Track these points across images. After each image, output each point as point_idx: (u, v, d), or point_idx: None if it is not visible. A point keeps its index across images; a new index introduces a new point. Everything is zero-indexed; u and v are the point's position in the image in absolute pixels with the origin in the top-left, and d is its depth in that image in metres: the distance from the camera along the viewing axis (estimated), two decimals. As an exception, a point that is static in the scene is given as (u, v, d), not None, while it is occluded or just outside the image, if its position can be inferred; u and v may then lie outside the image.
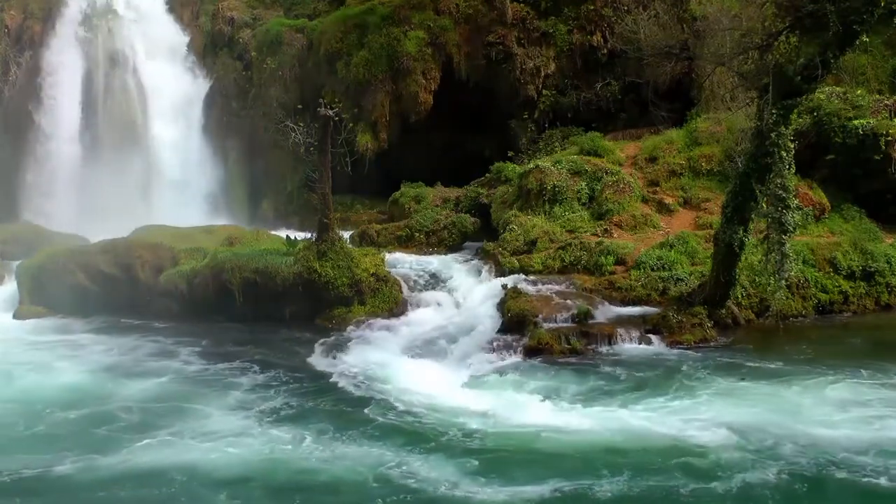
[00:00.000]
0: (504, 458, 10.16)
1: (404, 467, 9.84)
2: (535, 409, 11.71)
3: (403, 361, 14.13)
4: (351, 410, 11.93)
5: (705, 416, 11.31)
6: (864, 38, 13.54)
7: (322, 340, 15.40)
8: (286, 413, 11.89)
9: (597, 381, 12.96)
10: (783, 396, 12.07)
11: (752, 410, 11.49)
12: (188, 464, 10.04)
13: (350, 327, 16.28)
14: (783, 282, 14.62)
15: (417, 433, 10.92)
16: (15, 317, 18.11)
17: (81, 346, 15.75)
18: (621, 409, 11.64)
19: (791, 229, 13.97)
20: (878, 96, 21.12)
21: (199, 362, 14.55)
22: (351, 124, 23.49)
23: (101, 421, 11.64)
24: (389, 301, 17.11)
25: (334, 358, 14.55)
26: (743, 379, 12.83)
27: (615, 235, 18.77)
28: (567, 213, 19.79)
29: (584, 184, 20.36)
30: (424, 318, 16.56)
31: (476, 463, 9.97)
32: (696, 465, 9.81)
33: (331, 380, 13.44)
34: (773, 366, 13.44)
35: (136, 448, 10.59)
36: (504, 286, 16.55)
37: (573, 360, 13.98)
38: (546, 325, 14.98)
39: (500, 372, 13.52)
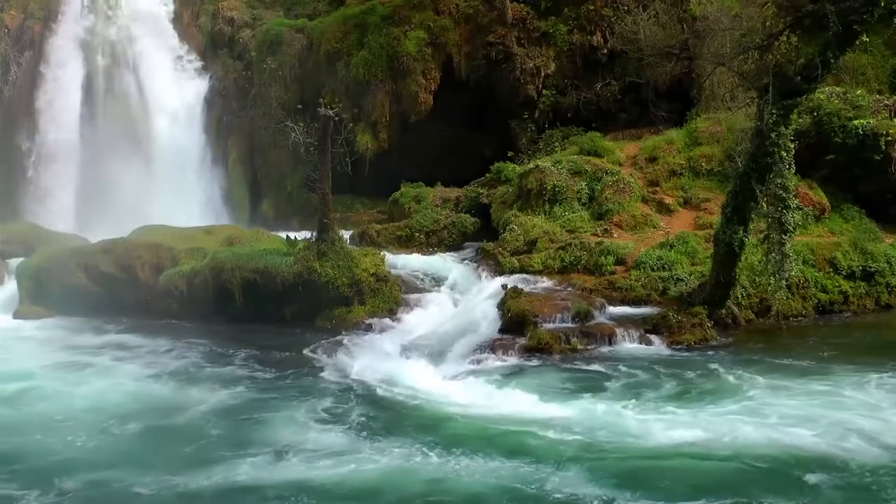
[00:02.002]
0: (506, 457, 10.07)
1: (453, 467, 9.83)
2: (534, 408, 11.66)
3: (404, 362, 14.10)
4: (372, 414, 11.70)
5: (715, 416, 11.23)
6: (864, 38, 13.56)
7: (322, 341, 15.39)
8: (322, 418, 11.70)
9: (597, 380, 12.91)
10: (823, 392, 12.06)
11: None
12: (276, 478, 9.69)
13: (350, 327, 16.30)
14: (783, 282, 14.63)
15: (447, 433, 10.83)
16: (15, 317, 18.12)
17: (111, 350, 15.49)
18: (621, 409, 11.56)
19: (791, 229, 13.98)
20: (878, 96, 21.12)
21: (209, 363, 14.49)
22: (351, 124, 23.49)
23: (170, 433, 11.15)
24: (389, 301, 17.11)
25: (335, 358, 14.54)
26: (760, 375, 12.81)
27: (615, 235, 18.78)
28: (567, 213, 19.80)
29: (584, 184, 20.36)
30: (425, 318, 16.56)
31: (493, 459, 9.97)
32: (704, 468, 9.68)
33: (333, 381, 13.38)
34: (799, 363, 13.42)
35: (220, 462, 10.01)
36: (504, 286, 16.55)
37: (573, 360, 13.95)
38: (546, 325, 14.98)
39: (501, 372, 13.49)
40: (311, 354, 14.85)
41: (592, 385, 12.69)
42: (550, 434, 10.65)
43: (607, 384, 12.73)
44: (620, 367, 13.47)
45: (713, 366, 13.37)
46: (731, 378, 12.74)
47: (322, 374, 13.72)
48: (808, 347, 14.29)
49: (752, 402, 11.64)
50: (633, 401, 11.84)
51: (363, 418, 11.51)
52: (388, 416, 11.60)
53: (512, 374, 13.35)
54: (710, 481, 9.25)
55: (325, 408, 12.03)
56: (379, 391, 12.71)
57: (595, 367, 13.62)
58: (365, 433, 10.92)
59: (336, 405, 12.13)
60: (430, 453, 10.16)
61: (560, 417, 11.23)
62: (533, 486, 9.21)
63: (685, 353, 14.24)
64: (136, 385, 13.26)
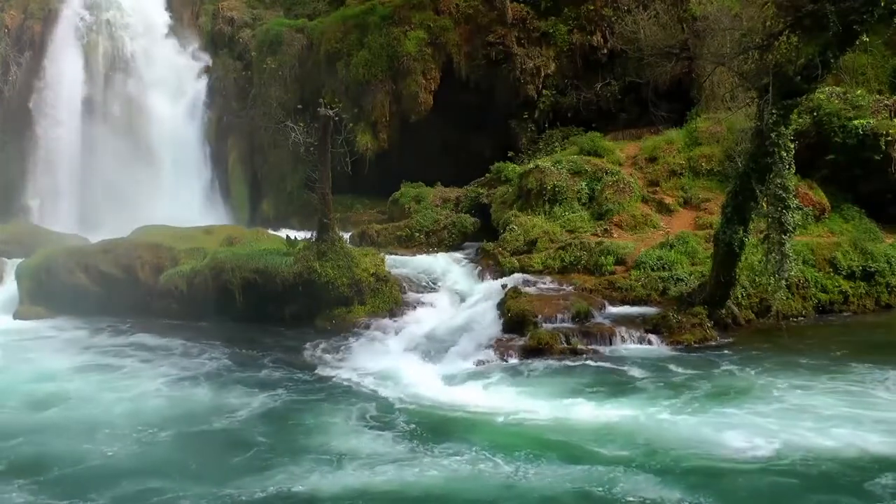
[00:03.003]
0: (506, 454, 10.07)
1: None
2: (534, 407, 11.67)
3: (404, 362, 14.11)
4: (407, 419, 11.55)
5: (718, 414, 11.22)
6: (864, 38, 13.53)
7: (325, 341, 15.40)
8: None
9: (597, 380, 12.91)
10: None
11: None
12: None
13: (350, 328, 16.30)
14: (783, 282, 14.61)
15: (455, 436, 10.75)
16: (15, 317, 18.09)
17: (131, 351, 15.37)
18: (661, 412, 11.52)
19: (791, 229, 13.97)
20: (878, 96, 21.12)
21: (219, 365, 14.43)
22: (351, 124, 23.50)
23: (210, 439, 10.89)
24: (389, 301, 17.10)
25: (334, 359, 14.55)
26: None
27: (615, 235, 18.78)
28: (567, 213, 19.79)
29: (584, 184, 20.36)
30: (425, 318, 16.54)
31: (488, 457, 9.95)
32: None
33: (335, 381, 13.35)
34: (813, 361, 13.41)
35: (270, 470, 9.71)
36: (504, 286, 16.55)
37: (573, 359, 13.94)
38: (546, 325, 14.98)
39: (501, 372, 13.50)
40: (322, 355, 14.80)
41: (618, 387, 12.60)
42: (602, 439, 10.45)
43: (632, 386, 12.61)
44: (633, 367, 13.43)
45: (726, 366, 13.32)
46: (749, 378, 12.71)
47: (325, 377, 13.65)
48: (815, 346, 14.26)
49: (782, 403, 11.52)
50: (669, 403, 11.66)
51: (401, 424, 11.24)
52: (424, 421, 11.30)
53: (512, 374, 13.33)
54: (783, 486, 9.04)
55: (358, 412, 11.80)
56: (401, 395, 12.55)
57: (594, 366, 13.60)
58: (409, 439, 10.64)
59: (366, 409, 11.91)
60: (490, 459, 9.88)
61: (603, 422, 11.05)
62: (603, 489, 9.06)
63: (689, 354, 14.17)
64: (168, 388, 13.04)
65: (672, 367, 13.39)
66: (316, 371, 13.94)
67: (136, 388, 13.09)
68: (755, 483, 9.19)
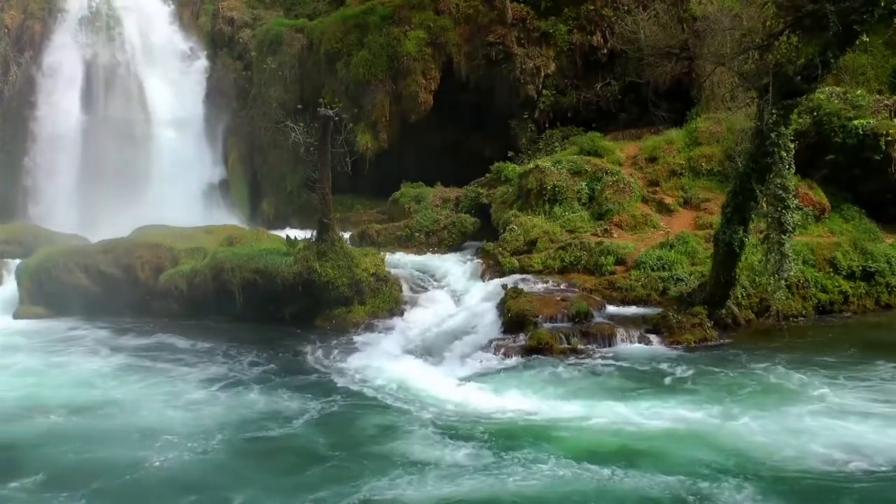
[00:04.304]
0: (507, 453, 10.06)
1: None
2: (533, 406, 11.66)
3: (404, 362, 14.11)
4: (389, 417, 11.51)
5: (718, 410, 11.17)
6: (864, 38, 13.52)
7: (322, 341, 15.40)
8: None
9: (596, 379, 12.90)
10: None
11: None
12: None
13: (350, 328, 16.31)
14: (783, 282, 14.61)
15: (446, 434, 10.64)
16: (15, 317, 18.11)
17: (154, 352, 15.11)
18: (622, 407, 11.52)
19: (791, 229, 13.96)
20: (878, 96, 21.11)
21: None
22: (351, 124, 23.53)
23: (272, 447, 10.50)
24: (389, 301, 17.11)
25: (335, 359, 14.56)
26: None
27: (615, 235, 18.78)
28: (567, 213, 19.80)
29: (584, 184, 20.36)
30: (424, 318, 16.56)
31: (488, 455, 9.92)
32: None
33: (335, 382, 13.33)
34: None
35: (342, 483, 9.33)
36: (504, 286, 16.55)
37: (573, 359, 13.89)
38: (546, 325, 14.97)
39: (501, 371, 13.50)
40: (311, 355, 14.78)
41: (592, 384, 12.58)
42: (676, 444, 10.19)
43: (658, 386, 12.46)
44: (619, 366, 13.40)
45: (748, 365, 13.20)
46: (770, 377, 12.58)
47: (325, 377, 13.62)
48: (821, 345, 14.24)
49: (821, 403, 11.34)
50: (717, 404, 11.44)
51: (459, 432, 10.91)
52: (475, 427, 10.99)
53: (512, 374, 13.31)
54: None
55: (384, 419, 11.58)
56: (386, 392, 12.56)
57: (594, 366, 13.55)
58: (475, 445, 10.35)
59: (391, 418, 11.66)
60: (572, 466, 9.54)
61: (661, 426, 10.83)
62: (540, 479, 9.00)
63: (693, 353, 14.11)
64: (208, 393, 12.70)
65: (686, 367, 13.22)
66: (316, 373, 13.92)
67: (185, 393, 12.70)
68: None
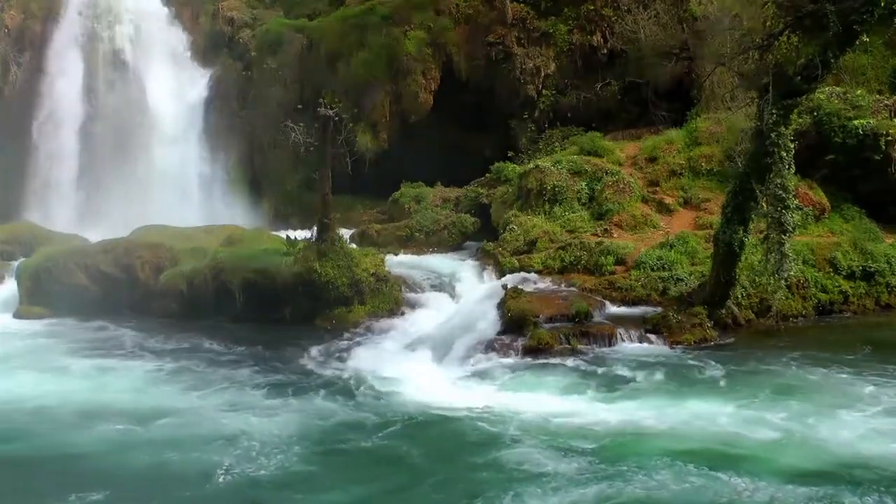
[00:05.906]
0: (507, 452, 10.10)
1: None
2: (533, 406, 11.66)
3: (404, 362, 14.11)
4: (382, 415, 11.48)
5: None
6: (864, 38, 13.53)
7: (322, 341, 15.39)
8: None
9: (596, 379, 12.89)
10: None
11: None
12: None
13: (350, 328, 16.30)
14: (783, 282, 14.61)
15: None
16: (15, 317, 18.12)
17: (186, 356, 14.78)
18: (623, 406, 11.54)
19: (791, 229, 13.97)
20: (878, 96, 21.10)
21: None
22: (351, 124, 23.46)
23: (360, 459, 10.24)
24: (389, 301, 17.11)
25: (335, 359, 14.56)
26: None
27: (615, 235, 18.78)
28: (567, 213, 19.80)
29: (584, 184, 20.36)
30: (424, 318, 16.56)
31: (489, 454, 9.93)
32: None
33: (337, 383, 13.31)
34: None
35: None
36: (504, 286, 16.54)
37: (573, 359, 13.88)
38: (546, 325, 14.96)
39: (501, 371, 13.48)
40: (311, 355, 14.78)
41: (592, 383, 12.59)
42: (551, 429, 10.52)
43: (669, 385, 12.47)
44: (619, 366, 13.39)
45: (764, 365, 13.19)
46: (786, 377, 12.60)
47: (327, 377, 13.63)
48: (825, 345, 14.23)
49: (858, 402, 11.29)
50: (727, 404, 11.42)
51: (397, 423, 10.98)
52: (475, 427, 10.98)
53: (512, 374, 13.29)
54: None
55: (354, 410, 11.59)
56: (387, 392, 12.55)
57: (594, 366, 13.53)
58: (474, 445, 10.29)
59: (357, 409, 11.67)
60: (663, 470, 9.40)
61: (559, 414, 11.04)
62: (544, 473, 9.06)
63: (694, 352, 14.09)
64: (273, 401, 12.33)
65: (691, 366, 13.23)
66: (318, 373, 13.91)
67: (241, 399, 12.41)
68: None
